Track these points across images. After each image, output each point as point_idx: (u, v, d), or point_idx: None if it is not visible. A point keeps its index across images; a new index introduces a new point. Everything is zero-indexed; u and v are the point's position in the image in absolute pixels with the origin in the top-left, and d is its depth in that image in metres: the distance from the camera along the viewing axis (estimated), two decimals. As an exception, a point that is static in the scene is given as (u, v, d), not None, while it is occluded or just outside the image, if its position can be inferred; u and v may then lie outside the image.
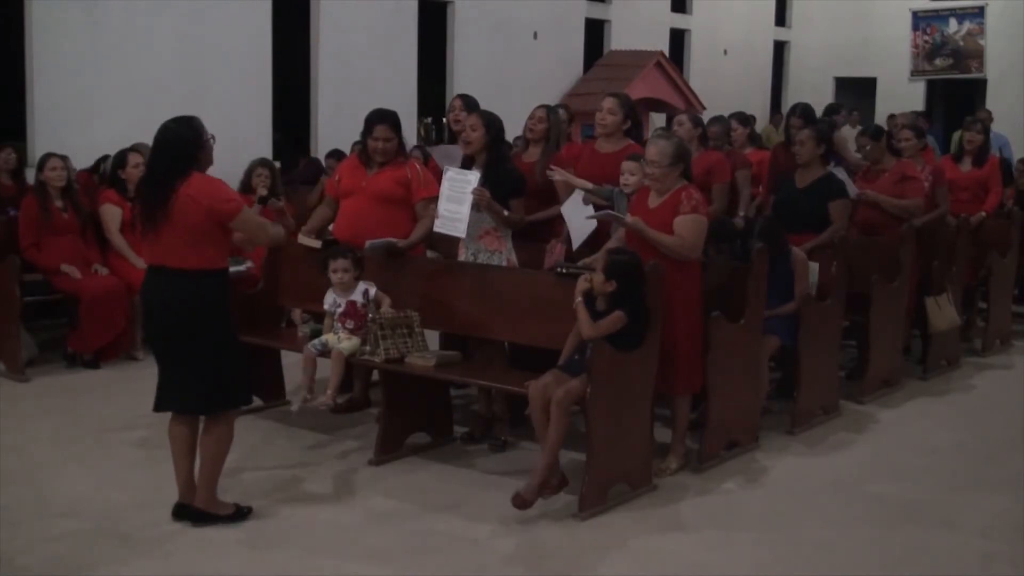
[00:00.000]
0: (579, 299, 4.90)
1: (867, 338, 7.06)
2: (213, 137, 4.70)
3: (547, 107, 6.89)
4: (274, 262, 6.46)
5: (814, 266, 6.39)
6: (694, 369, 5.46)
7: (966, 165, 8.87)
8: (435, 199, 5.94)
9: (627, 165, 5.94)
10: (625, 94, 6.82)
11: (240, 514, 4.76)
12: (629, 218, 5.34)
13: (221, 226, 4.52)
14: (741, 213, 7.56)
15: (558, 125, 6.82)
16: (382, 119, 6.10)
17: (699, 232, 5.33)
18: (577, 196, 6.31)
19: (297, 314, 7.23)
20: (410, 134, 11.21)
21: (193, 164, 4.53)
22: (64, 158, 7.84)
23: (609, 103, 6.49)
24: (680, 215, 5.27)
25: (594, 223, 5.96)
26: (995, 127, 13.85)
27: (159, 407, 4.70)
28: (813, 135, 6.97)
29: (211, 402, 4.63)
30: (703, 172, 6.91)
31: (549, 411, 4.90)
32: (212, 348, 4.56)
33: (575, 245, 6.18)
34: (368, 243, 5.92)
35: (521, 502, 4.79)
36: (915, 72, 18.88)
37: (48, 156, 7.73)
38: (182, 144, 4.52)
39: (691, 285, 5.41)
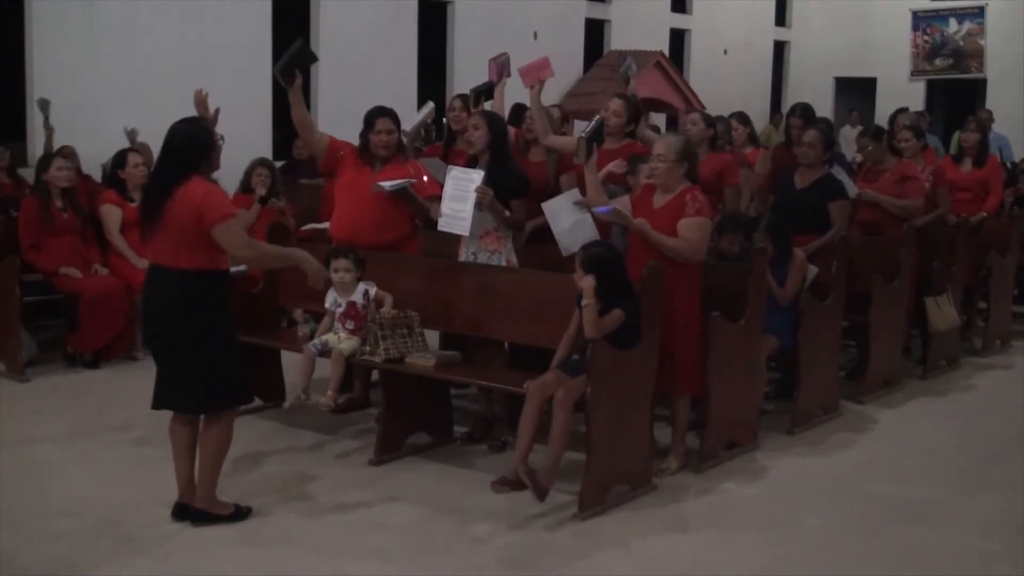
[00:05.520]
0: (587, 301, 4.89)
1: (867, 338, 7.06)
2: (222, 138, 4.69)
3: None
4: (274, 262, 6.45)
5: (813, 268, 6.39)
6: (694, 369, 5.46)
7: (966, 165, 8.87)
8: (437, 198, 5.94)
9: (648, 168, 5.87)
10: (633, 96, 6.80)
11: (240, 514, 4.76)
12: (636, 220, 5.32)
13: (208, 231, 4.50)
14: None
15: (553, 124, 6.82)
16: (383, 112, 6.12)
17: (704, 235, 5.34)
18: (567, 198, 6.25)
19: (299, 313, 7.25)
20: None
21: (201, 165, 4.53)
22: (69, 156, 7.84)
23: (616, 104, 6.48)
24: (685, 217, 5.27)
25: (591, 230, 5.90)
26: (995, 127, 13.86)
27: (156, 405, 4.70)
28: (821, 138, 6.96)
29: (209, 401, 4.63)
30: (714, 174, 6.90)
31: (543, 410, 4.91)
32: (209, 348, 4.55)
33: (565, 252, 5.98)
34: (388, 185, 5.89)
35: (541, 492, 4.84)
36: (915, 72, 18.88)
37: (53, 156, 7.72)
38: (192, 145, 4.52)
39: (691, 285, 5.41)
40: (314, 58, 6.18)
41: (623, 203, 5.55)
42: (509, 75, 7.18)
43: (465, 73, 13.31)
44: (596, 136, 5.65)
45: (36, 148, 9.71)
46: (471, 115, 6.32)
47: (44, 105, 9.21)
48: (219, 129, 5.22)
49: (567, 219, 6.05)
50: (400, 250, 6.15)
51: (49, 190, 7.46)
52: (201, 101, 5.42)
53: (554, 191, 6.55)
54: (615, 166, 6.13)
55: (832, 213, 6.81)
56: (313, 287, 4.97)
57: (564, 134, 7.07)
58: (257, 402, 6.05)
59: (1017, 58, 17.47)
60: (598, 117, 5.90)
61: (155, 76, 10.46)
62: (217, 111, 5.34)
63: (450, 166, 6.05)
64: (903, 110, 10.20)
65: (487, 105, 7.32)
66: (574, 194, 6.23)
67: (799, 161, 7.07)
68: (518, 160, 6.43)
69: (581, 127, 11.27)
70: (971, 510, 5.20)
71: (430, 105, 7.64)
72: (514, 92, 7.34)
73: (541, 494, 4.86)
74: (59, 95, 9.93)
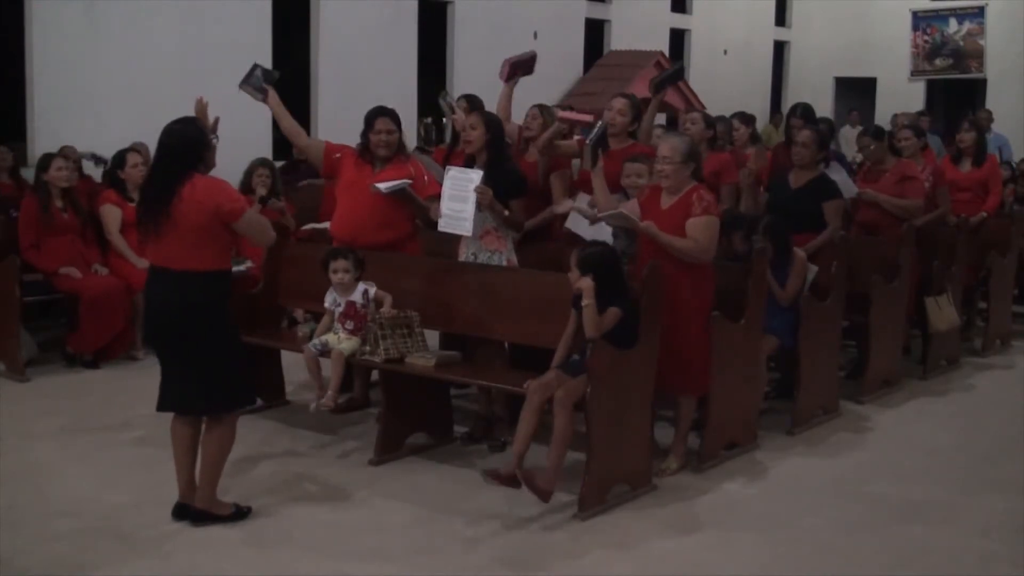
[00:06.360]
0: (588, 301, 4.89)
1: (867, 338, 7.06)
2: (216, 137, 4.71)
3: (540, 106, 6.89)
4: (274, 262, 6.46)
5: (813, 268, 6.39)
6: (704, 370, 5.46)
7: (966, 166, 8.87)
8: (437, 197, 5.94)
9: (635, 167, 5.89)
10: (634, 96, 6.81)
11: (240, 514, 4.77)
12: (642, 223, 5.32)
13: (225, 226, 4.52)
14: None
15: (553, 123, 6.81)
16: (383, 112, 6.13)
17: (712, 234, 5.32)
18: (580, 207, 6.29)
19: (300, 313, 7.25)
20: (410, 134, 11.20)
21: (198, 165, 4.54)
22: (68, 156, 7.84)
23: (620, 104, 6.47)
24: (692, 217, 5.27)
25: (608, 232, 5.92)
26: (995, 127, 13.85)
27: (161, 407, 4.70)
28: (816, 139, 6.95)
29: (212, 403, 4.63)
30: (711, 173, 6.90)
31: (542, 410, 4.92)
32: (213, 349, 4.55)
33: None
34: (384, 186, 5.91)
35: (544, 495, 4.85)
36: (915, 72, 18.89)
37: (52, 156, 7.73)
38: (188, 144, 4.53)
39: (704, 287, 5.40)
40: (276, 75, 6.32)
41: (631, 206, 5.55)
42: (530, 72, 7.07)
43: (465, 73, 13.31)
44: (601, 141, 5.66)
45: (36, 148, 9.71)
46: (469, 115, 6.32)
47: (98, 161, 9.32)
48: (220, 129, 5.22)
49: (588, 229, 6.08)
50: (400, 250, 6.15)
51: (49, 190, 7.46)
52: (201, 110, 5.41)
53: (544, 190, 6.57)
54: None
55: (827, 213, 6.79)
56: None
57: (565, 136, 7.07)
58: (258, 402, 6.05)
59: (1017, 58, 17.47)
60: (601, 123, 5.91)
61: (155, 76, 10.46)
62: (216, 120, 5.33)
63: (448, 166, 6.05)
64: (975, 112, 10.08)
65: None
66: (583, 200, 6.26)
67: (793, 161, 7.07)
68: (516, 159, 6.44)
69: (582, 128, 11.29)
70: (971, 510, 5.20)
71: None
72: (518, 93, 7.30)
73: (544, 496, 4.87)
74: (59, 95, 9.95)
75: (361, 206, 6.04)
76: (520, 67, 6.98)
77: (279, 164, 9.41)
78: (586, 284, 4.90)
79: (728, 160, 7.41)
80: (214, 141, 4.72)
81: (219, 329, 4.59)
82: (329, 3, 12.36)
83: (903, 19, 18.73)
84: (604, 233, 5.88)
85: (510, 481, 4.89)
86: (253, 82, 6.21)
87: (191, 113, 5.01)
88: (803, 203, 6.79)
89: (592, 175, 5.68)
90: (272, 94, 6.21)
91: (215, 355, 4.56)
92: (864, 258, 7.06)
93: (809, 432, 6.30)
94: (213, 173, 4.69)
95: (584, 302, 4.88)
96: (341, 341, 5.62)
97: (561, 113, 6.65)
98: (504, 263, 5.89)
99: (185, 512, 4.70)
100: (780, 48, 19.88)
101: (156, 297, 4.61)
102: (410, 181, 6.01)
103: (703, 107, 14.65)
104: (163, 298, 4.56)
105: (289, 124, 6.32)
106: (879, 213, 7.58)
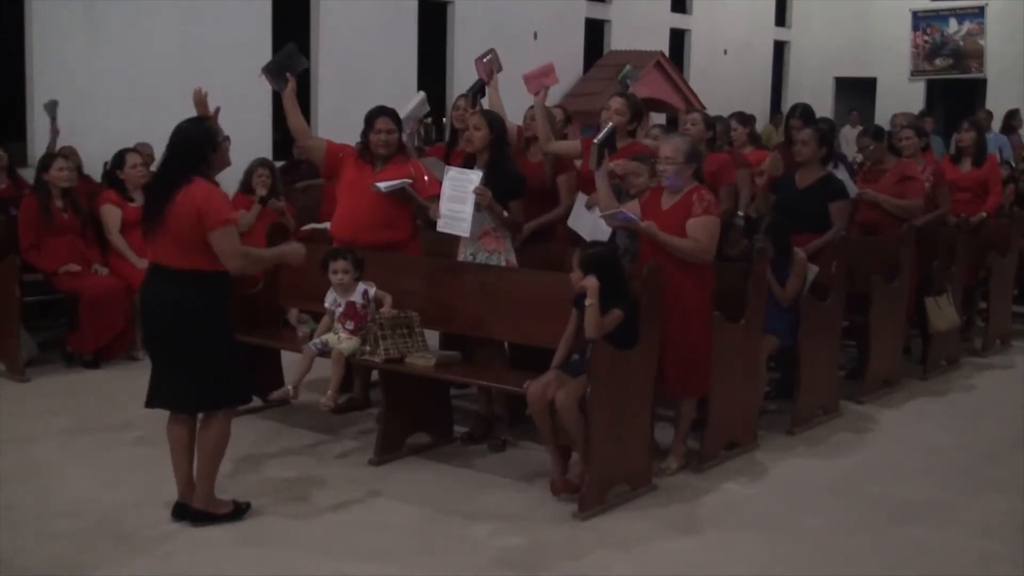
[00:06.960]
0: (591, 301, 4.89)
1: (867, 338, 7.06)
2: (227, 138, 4.69)
3: None
4: (274, 262, 6.45)
5: (813, 268, 6.39)
6: (705, 372, 5.46)
7: (965, 165, 8.87)
8: (437, 198, 5.94)
9: (632, 165, 5.90)
10: (633, 95, 6.81)
11: (238, 511, 4.77)
12: (643, 223, 5.32)
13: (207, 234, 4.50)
14: (740, 213, 7.55)
15: (553, 123, 6.82)
16: (383, 112, 6.13)
17: (712, 234, 5.32)
18: (579, 205, 6.30)
19: (294, 315, 7.24)
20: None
21: (203, 166, 4.52)
22: (69, 156, 7.84)
23: (617, 103, 6.47)
24: (693, 217, 5.27)
25: (608, 232, 5.93)
26: (995, 127, 13.85)
27: (149, 403, 4.70)
28: (816, 136, 6.95)
29: (205, 401, 4.63)
30: (710, 174, 6.90)
31: (548, 410, 4.91)
32: (206, 347, 4.55)
33: None
34: (384, 185, 5.90)
35: (572, 488, 4.96)
36: (915, 72, 18.90)
37: (53, 156, 7.73)
38: (191, 146, 4.52)
39: (704, 288, 5.40)
40: (305, 63, 6.22)
41: (632, 207, 5.55)
42: (500, 69, 7.13)
43: (465, 73, 13.28)
44: (608, 142, 5.65)
45: (36, 148, 9.71)
46: (472, 115, 6.33)
47: (52, 107, 9.17)
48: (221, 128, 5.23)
49: (587, 228, 6.05)
50: (401, 250, 6.15)
51: (49, 190, 7.46)
52: (200, 100, 5.43)
53: (551, 191, 6.57)
54: (618, 167, 6.09)
55: (832, 214, 6.79)
56: (299, 265, 5.05)
57: (566, 136, 7.07)
58: (257, 402, 6.05)
59: (1017, 58, 17.48)
60: (611, 124, 5.91)
61: (155, 76, 10.46)
62: (217, 110, 5.35)
63: (448, 167, 6.05)
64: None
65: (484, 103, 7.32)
66: (583, 199, 6.24)
67: (796, 160, 7.07)
68: (518, 159, 6.44)
69: (583, 128, 11.31)
70: (971, 510, 5.20)
71: (420, 95, 7.55)
72: (513, 89, 7.31)
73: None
74: (59, 95, 9.93)
75: (361, 206, 6.04)
76: (491, 64, 6.99)
77: (279, 164, 9.42)
78: (591, 284, 4.89)
79: (727, 161, 7.40)
80: (224, 142, 4.68)
81: (213, 328, 4.57)
82: (329, 3, 12.37)
83: (903, 19, 18.74)
84: (603, 232, 5.88)
85: (578, 488, 4.96)
86: (282, 63, 6.06)
87: (191, 111, 5.00)
88: (809, 203, 6.78)
89: (596, 175, 5.68)
90: (292, 86, 6.10)
91: (207, 353, 4.56)
92: (864, 258, 7.07)
93: (809, 432, 6.30)
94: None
95: (588, 302, 4.88)
96: (341, 341, 5.62)
97: (525, 74, 6.64)
98: (503, 263, 5.89)
99: (185, 512, 4.70)
100: (780, 48, 19.88)
101: (152, 295, 4.62)
102: (410, 181, 6.02)
103: (703, 107, 14.66)
104: (159, 297, 4.56)
105: (297, 120, 6.24)
106: (879, 213, 7.58)
